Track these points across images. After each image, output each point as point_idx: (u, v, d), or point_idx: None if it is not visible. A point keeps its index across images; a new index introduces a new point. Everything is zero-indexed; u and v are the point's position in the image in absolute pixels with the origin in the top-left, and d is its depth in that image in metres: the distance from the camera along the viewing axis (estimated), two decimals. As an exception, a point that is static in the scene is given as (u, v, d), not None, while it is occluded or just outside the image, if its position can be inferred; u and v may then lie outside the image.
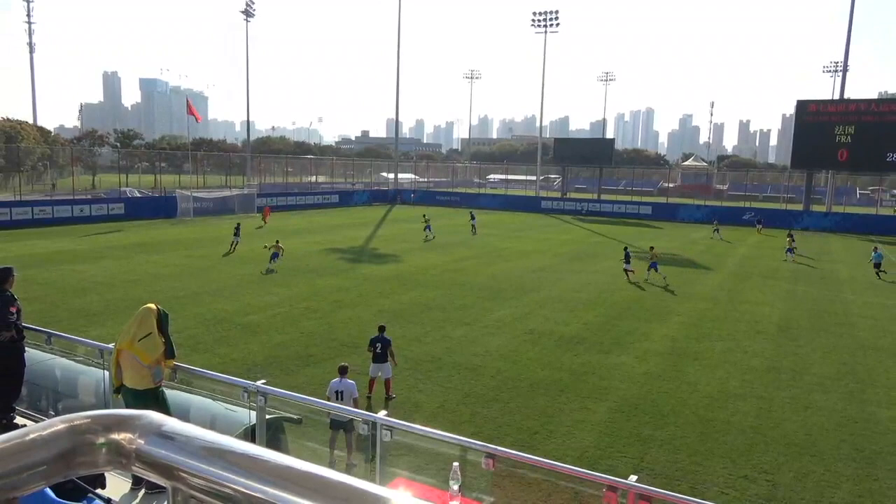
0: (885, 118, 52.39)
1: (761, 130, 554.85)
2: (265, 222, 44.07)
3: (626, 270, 26.61)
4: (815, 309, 22.45)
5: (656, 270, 26.25)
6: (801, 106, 56.41)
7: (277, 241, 28.82)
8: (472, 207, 59.06)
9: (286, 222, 42.56)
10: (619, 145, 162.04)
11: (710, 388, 13.99)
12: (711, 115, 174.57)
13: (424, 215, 43.34)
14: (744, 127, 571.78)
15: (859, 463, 10.66)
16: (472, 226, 43.71)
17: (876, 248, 31.14)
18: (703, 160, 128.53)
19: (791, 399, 13.50)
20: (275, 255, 27.56)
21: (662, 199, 70.73)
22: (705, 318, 20.56)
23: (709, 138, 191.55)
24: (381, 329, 13.10)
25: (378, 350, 12.67)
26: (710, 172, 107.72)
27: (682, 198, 75.84)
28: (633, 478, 5.15)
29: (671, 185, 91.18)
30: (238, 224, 34.51)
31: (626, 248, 28.42)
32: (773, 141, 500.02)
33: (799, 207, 60.60)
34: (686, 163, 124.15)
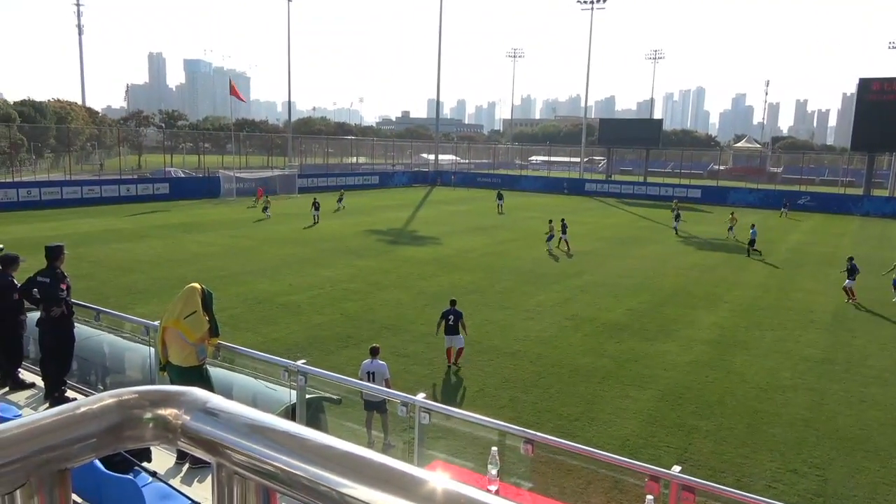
0: (957, 97, 49.87)
1: (819, 110, 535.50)
2: (257, 203, 44.42)
3: (564, 240, 29.35)
4: (873, 298, 21.67)
5: (552, 240, 28.94)
6: (864, 84, 54.09)
7: (267, 197, 40.42)
8: (515, 190, 58.73)
9: (326, 203, 43.01)
10: (667, 126, 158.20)
11: (758, 378, 13.70)
12: (766, 94, 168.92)
13: (341, 191, 48.13)
14: (801, 107, 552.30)
15: (917, 460, 10.32)
16: (499, 205, 44.99)
17: (753, 225, 31.71)
18: (756, 142, 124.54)
19: (845, 392, 13.12)
20: (265, 209, 37.84)
21: (712, 183, 69.01)
22: (755, 306, 20.09)
23: (763, 119, 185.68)
24: (453, 303, 14.08)
25: (450, 322, 13.53)
26: (763, 154, 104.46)
27: (734, 181, 73.85)
28: (677, 468, 5.09)
29: (722, 168, 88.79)
30: (315, 200, 37.84)
31: (562, 221, 30.33)
32: (832, 122, 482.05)
33: (859, 192, 58.37)
34: (738, 144, 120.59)
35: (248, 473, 0.91)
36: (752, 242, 30.07)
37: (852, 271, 21.16)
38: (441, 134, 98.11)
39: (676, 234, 36.35)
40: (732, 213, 38.12)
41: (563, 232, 29.50)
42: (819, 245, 34.06)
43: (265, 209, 38.07)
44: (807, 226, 43.59)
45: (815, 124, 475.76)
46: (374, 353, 10.64)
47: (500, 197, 46.20)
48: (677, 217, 37.97)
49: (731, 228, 35.70)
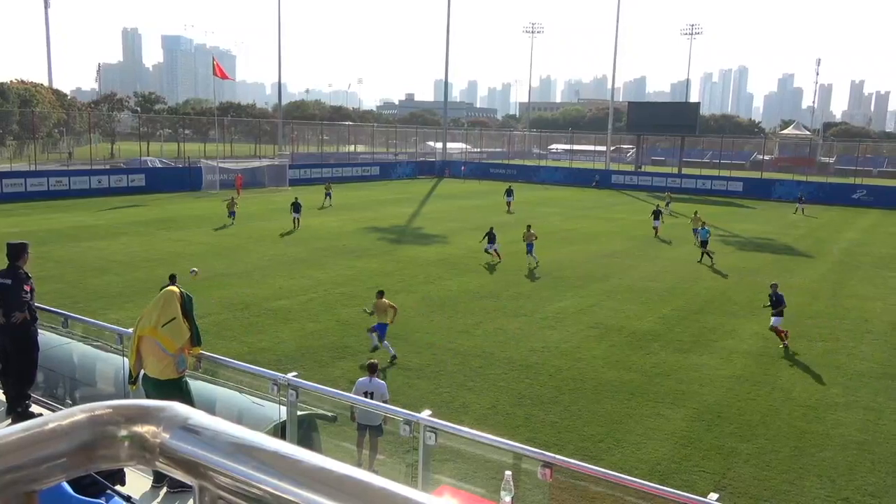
0: None
1: (878, 93, 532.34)
2: (238, 194, 44.05)
3: (490, 251, 26.42)
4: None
5: (530, 253, 25.86)
6: (929, 64, 53.67)
7: (233, 198, 35.35)
8: (533, 182, 58.50)
9: (321, 197, 43.07)
10: (705, 110, 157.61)
11: (806, 395, 13.65)
12: (817, 74, 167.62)
13: (328, 184, 46.48)
14: (856, 89, 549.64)
15: None
16: (508, 203, 43.43)
17: (704, 224, 29.63)
18: (805, 128, 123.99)
19: (905, 411, 13.04)
20: (232, 213, 33.74)
21: (756, 174, 68.71)
22: (803, 314, 19.99)
23: (813, 102, 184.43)
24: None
25: None
26: (814, 143, 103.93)
27: (780, 172, 73.54)
28: (714, 496, 5.08)
29: (767, 158, 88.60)
30: (296, 200, 33.56)
31: (490, 230, 27.48)
32: (893, 105, 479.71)
33: (922, 185, 57.99)
34: (785, 131, 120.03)
35: (234, 498, 0.91)
36: (704, 243, 28.19)
37: (777, 303, 17.16)
38: (450, 119, 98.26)
39: (655, 234, 34.04)
40: (696, 213, 34.37)
41: (492, 241, 26.37)
42: (876, 245, 33.86)
43: (231, 213, 33.78)
44: (863, 223, 43.33)
45: (872, 108, 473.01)
46: (372, 370, 10.38)
47: (509, 193, 44.39)
48: (657, 214, 34.73)
49: (696, 230, 31.43)
